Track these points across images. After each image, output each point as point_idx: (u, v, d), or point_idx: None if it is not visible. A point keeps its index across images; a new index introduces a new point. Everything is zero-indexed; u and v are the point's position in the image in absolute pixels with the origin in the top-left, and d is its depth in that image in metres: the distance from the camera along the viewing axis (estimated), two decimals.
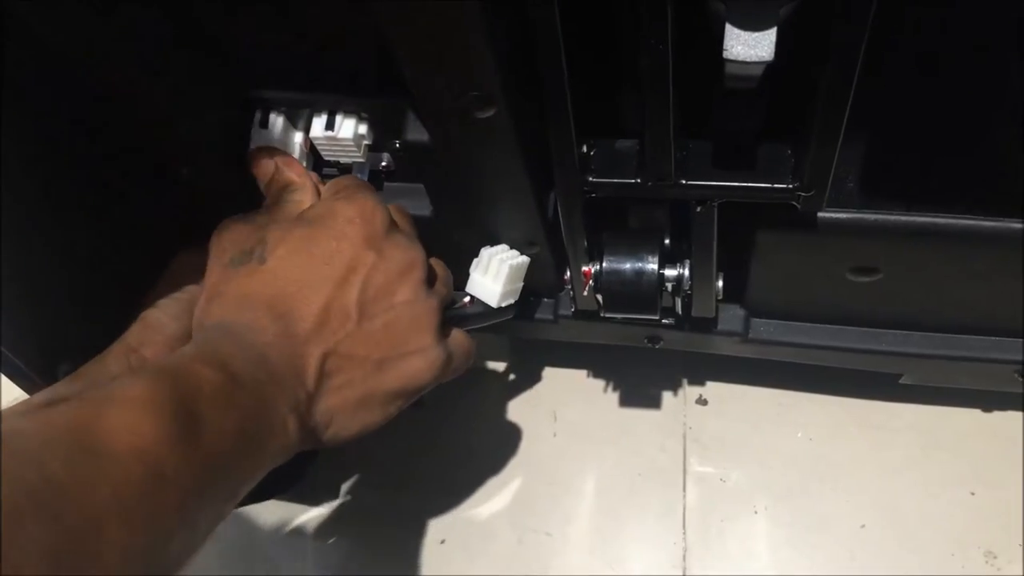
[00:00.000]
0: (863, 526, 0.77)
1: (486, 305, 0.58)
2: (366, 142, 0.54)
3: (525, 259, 0.59)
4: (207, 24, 0.50)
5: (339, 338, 0.47)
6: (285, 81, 0.52)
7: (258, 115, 0.54)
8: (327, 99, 0.53)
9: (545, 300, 0.68)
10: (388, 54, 0.43)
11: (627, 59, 0.49)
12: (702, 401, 0.84)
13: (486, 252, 0.59)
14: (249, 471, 0.41)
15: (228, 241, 0.50)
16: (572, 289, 0.62)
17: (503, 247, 0.59)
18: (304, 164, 0.56)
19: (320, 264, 0.47)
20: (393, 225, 0.51)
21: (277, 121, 0.54)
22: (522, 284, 0.60)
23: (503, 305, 0.58)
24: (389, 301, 0.48)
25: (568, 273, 0.60)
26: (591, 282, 0.57)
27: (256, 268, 0.47)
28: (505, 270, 0.57)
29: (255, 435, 0.42)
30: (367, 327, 0.48)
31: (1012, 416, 0.80)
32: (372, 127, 0.54)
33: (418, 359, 0.49)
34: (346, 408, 0.48)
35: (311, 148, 0.56)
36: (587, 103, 0.46)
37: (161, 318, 0.51)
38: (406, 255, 0.50)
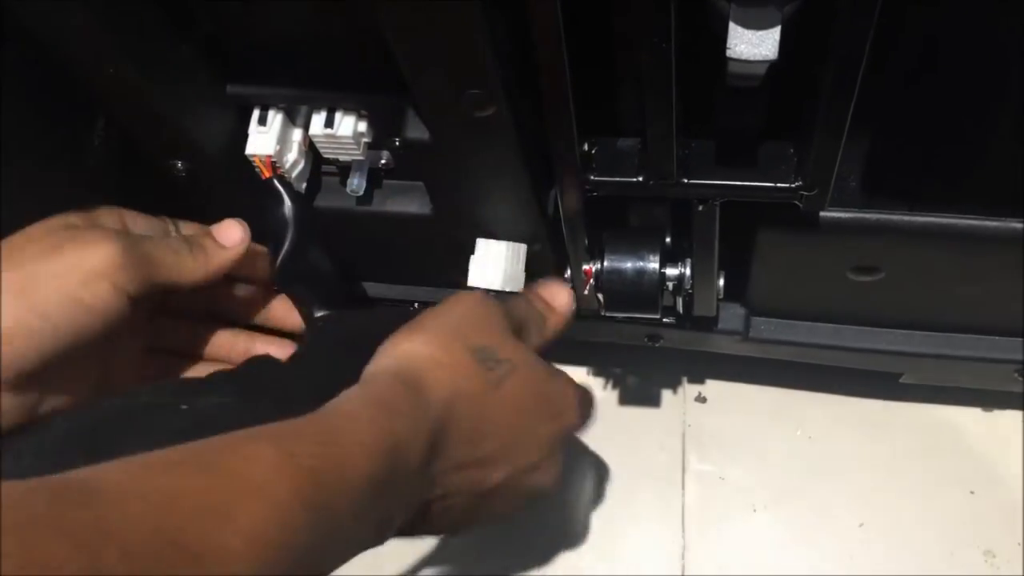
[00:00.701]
0: (862, 525, 0.77)
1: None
2: (365, 140, 0.54)
3: (521, 244, 0.59)
4: (204, 19, 0.49)
5: (482, 475, 0.46)
6: (284, 78, 0.52)
7: (256, 112, 0.54)
8: (326, 96, 0.53)
9: None
10: (388, 51, 0.43)
11: (629, 56, 0.49)
12: (701, 399, 0.84)
13: (482, 242, 0.58)
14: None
15: (489, 327, 0.48)
16: (573, 288, 0.62)
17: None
18: (305, 164, 0.56)
19: (523, 431, 0.47)
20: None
21: (276, 118, 0.53)
22: (524, 271, 0.60)
23: (507, 290, 0.58)
24: (520, 487, 0.48)
25: (569, 272, 0.60)
26: (592, 281, 0.57)
27: (495, 386, 0.46)
28: (502, 250, 0.57)
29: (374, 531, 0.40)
30: (504, 485, 0.47)
31: (1012, 415, 0.79)
32: (371, 125, 0.53)
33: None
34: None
35: (310, 146, 0.55)
36: (588, 101, 0.46)
37: (34, 339, 0.43)
38: (549, 479, 0.50)
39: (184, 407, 0.44)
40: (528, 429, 0.47)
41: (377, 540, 0.40)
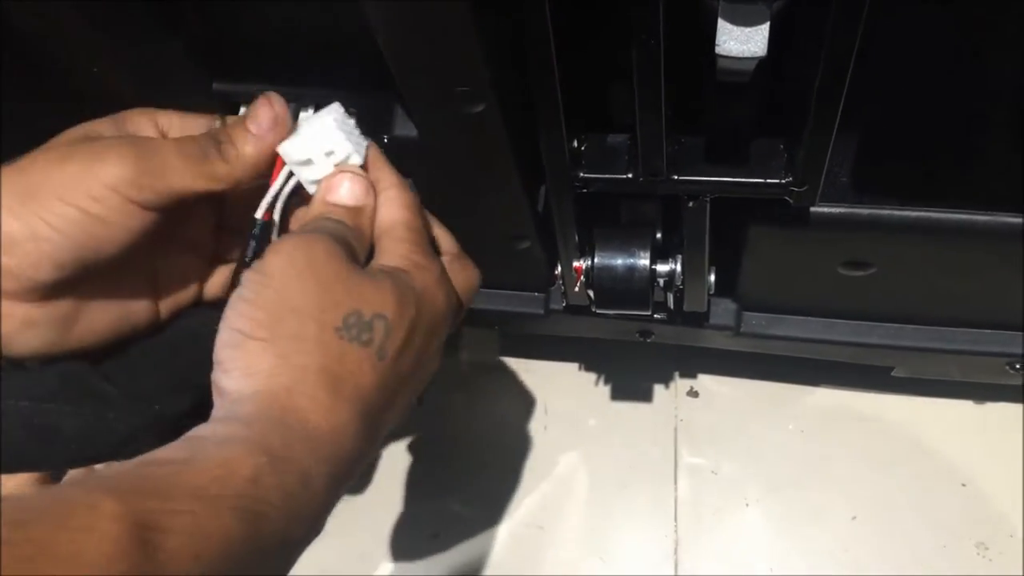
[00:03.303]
0: (855, 518, 0.77)
1: None
2: None
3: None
4: (190, 17, 0.49)
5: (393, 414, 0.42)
6: (270, 75, 0.51)
7: (243, 110, 0.53)
8: (313, 93, 0.52)
9: (536, 294, 0.67)
10: (376, 47, 0.43)
11: (618, 52, 0.48)
12: (693, 394, 0.84)
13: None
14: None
15: (328, 278, 0.40)
16: (563, 284, 0.61)
17: None
18: None
19: (419, 367, 0.42)
20: None
21: None
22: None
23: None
24: (428, 372, 0.45)
25: (559, 269, 0.60)
26: (583, 278, 0.57)
27: (375, 362, 0.39)
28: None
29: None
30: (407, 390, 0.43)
31: (1003, 408, 0.80)
32: (360, 121, 0.53)
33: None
34: None
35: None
36: (578, 97, 0.46)
37: (44, 245, 0.40)
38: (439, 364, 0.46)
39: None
40: (426, 364, 0.43)
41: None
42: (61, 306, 0.42)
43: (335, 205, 0.44)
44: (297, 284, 0.39)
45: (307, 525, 0.37)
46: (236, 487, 0.33)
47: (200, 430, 0.37)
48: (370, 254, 0.44)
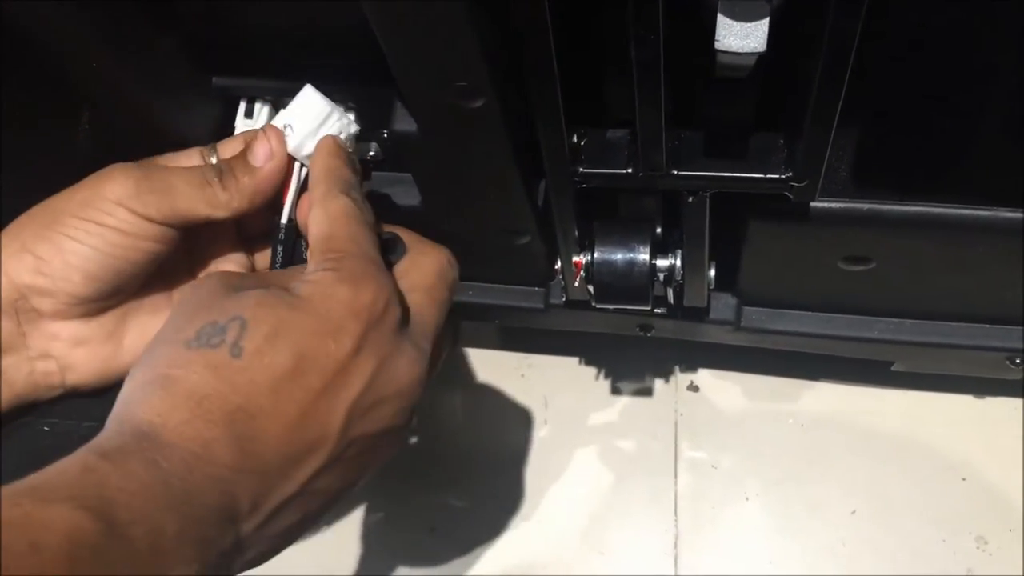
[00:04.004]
0: (854, 512, 0.77)
1: None
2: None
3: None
4: (188, 11, 0.49)
5: (308, 473, 0.37)
6: (270, 70, 0.51)
7: (243, 105, 0.53)
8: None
9: (536, 289, 0.67)
10: (375, 42, 0.43)
11: (618, 46, 0.48)
12: (693, 388, 0.84)
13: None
14: None
15: (195, 304, 0.39)
16: (563, 279, 0.61)
17: None
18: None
19: (305, 366, 0.37)
20: (404, 322, 0.41)
21: (263, 111, 0.53)
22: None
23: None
24: (375, 425, 0.39)
25: (559, 263, 0.60)
26: (582, 273, 0.57)
27: (226, 360, 0.37)
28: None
29: None
30: (345, 455, 0.39)
31: (1003, 402, 0.80)
32: (359, 116, 0.53)
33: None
34: (289, 533, 0.39)
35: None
36: (577, 92, 0.46)
37: (71, 258, 0.42)
38: (411, 371, 0.40)
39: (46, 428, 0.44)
40: (324, 369, 0.38)
41: None
42: (105, 322, 0.45)
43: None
44: (173, 316, 0.40)
45: (180, 513, 0.33)
46: (66, 481, 0.32)
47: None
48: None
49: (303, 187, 0.47)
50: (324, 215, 0.43)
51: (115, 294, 0.44)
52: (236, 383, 0.36)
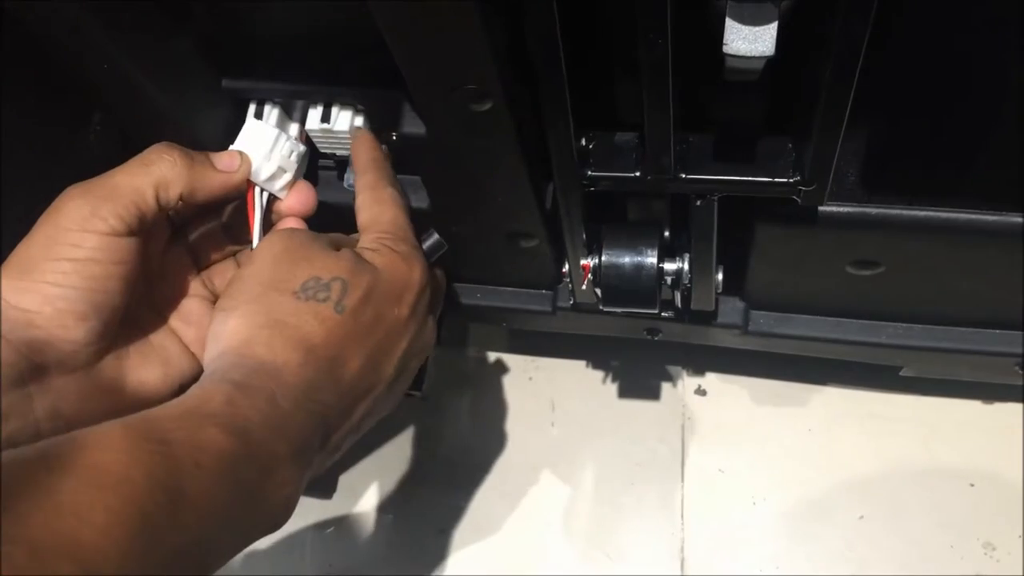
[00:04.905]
0: (862, 517, 0.77)
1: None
2: None
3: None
4: (200, 14, 0.49)
5: (362, 412, 0.47)
6: (280, 72, 0.52)
7: (253, 106, 0.54)
8: (323, 91, 0.52)
9: (543, 292, 0.67)
10: (384, 45, 0.43)
11: (626, 49, 0.48)
12: (701, 392, 0.84)
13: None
14: (230, 546, 0.38)
15: (292, 257, 0.47)
16: (571, 282, 0.61)
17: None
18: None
19: (379, 325, 0.47)
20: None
21: (272, 113, 0.53)
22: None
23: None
24: (407, 374, 0.51)
25: (567, 266, 0.60)
26: (590, 276, 0.57)
27: (331, 315, 0.45)
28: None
29: (245, 510, 0.38)
30: (382, 396, 0.49)
31: (1012, 408, 0.79)
32: (368, 119, 0.53)
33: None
34: (352, 438, 0.48)
35: (307, 140, 0.55)
36: (585, 95, 0.46)
37: (59, 304, 0.43)
38: (432, 335, 0.53)
39: None
40: (390, 329, 0.48)
41: (264, 518, 0.40)
42: (105, 369, 0.46)
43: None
44: (270, 263, 0.47)
45: (288, 440, 0.41)
46: (213, 409, 0.39)
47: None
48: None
49: (266, 212, 0.52)
50: (375, 200, 0.51)
51: (104, 333, 0.45)
52: (337, 335, 0.45)
